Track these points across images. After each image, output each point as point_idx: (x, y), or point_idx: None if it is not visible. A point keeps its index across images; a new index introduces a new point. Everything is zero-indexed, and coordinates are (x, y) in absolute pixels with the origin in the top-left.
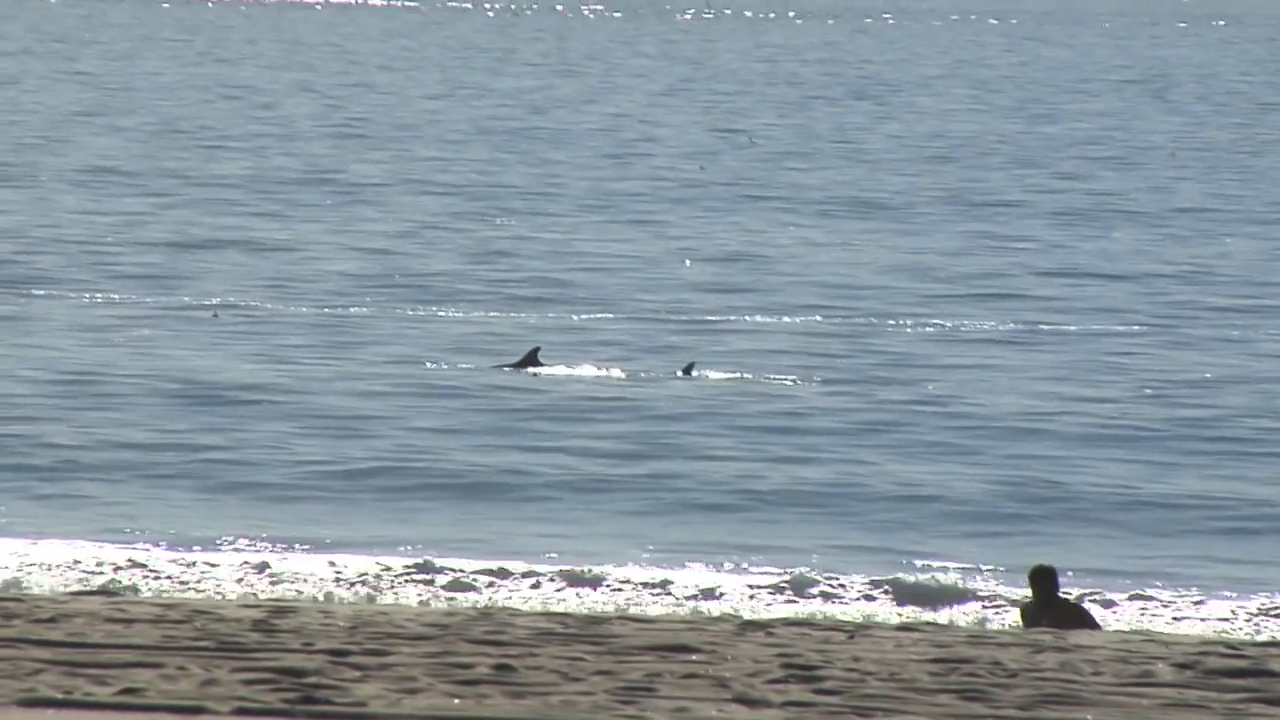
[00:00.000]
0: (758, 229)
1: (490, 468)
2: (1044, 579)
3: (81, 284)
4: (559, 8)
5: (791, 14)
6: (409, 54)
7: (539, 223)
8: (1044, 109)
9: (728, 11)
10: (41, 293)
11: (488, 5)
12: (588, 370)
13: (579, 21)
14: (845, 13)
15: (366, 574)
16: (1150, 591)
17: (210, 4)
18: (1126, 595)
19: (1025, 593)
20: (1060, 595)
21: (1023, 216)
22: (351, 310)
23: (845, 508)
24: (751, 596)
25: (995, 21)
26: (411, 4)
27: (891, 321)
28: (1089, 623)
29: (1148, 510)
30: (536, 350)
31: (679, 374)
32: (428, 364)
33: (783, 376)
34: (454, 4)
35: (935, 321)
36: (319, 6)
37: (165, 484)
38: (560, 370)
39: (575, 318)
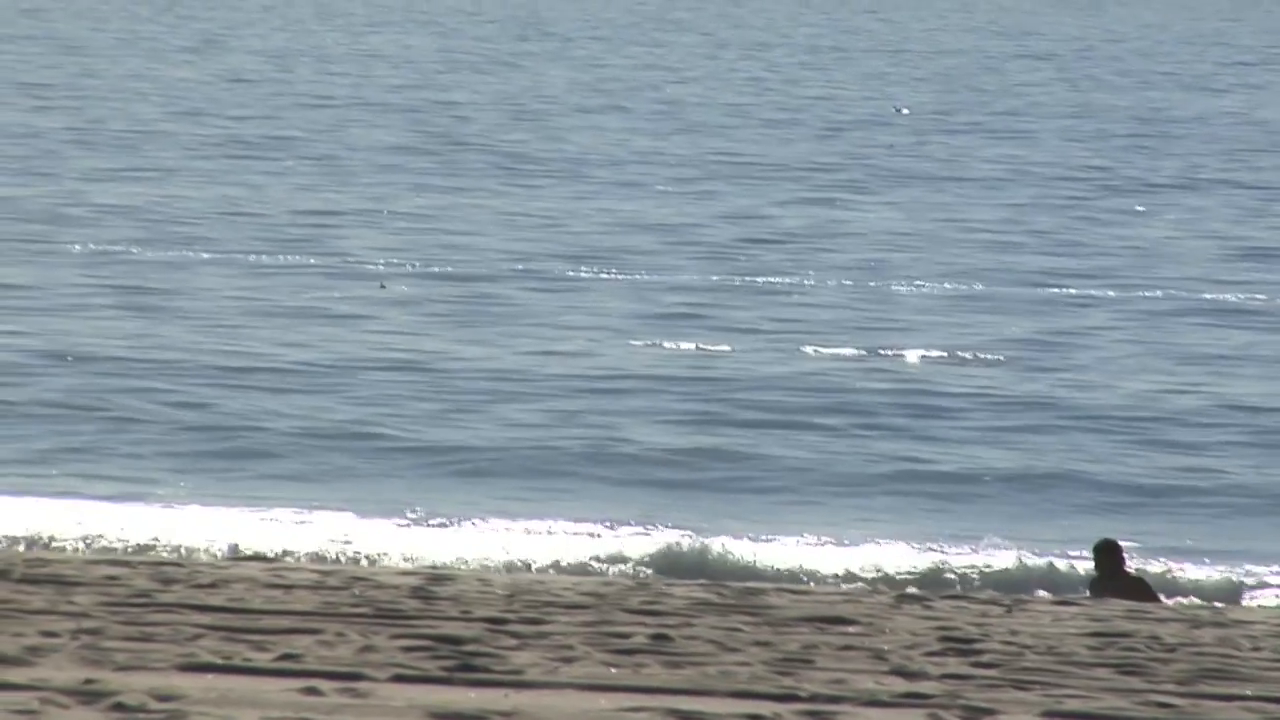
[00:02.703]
0: (910, 201)
1: (643, 442)
2: (1108, 553)
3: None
4: None
5: None
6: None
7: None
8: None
9: None
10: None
11: None
12: (753, 345)
13: None
14: None
15: (522, 546)
16: None
17: None
18: None
19: (1177, 572)
20: (1125, 569)
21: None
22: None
23: (990, 489)
24: (902, 573)
25: None
26: None
27: (1047, 299)
28: (1150, 595)
29: None
30: None
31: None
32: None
33: (937, 351)
34: None
35: (1089, 294)
36: None
37: (327, 452)
38: (710, 347)
39: (743, 281)
